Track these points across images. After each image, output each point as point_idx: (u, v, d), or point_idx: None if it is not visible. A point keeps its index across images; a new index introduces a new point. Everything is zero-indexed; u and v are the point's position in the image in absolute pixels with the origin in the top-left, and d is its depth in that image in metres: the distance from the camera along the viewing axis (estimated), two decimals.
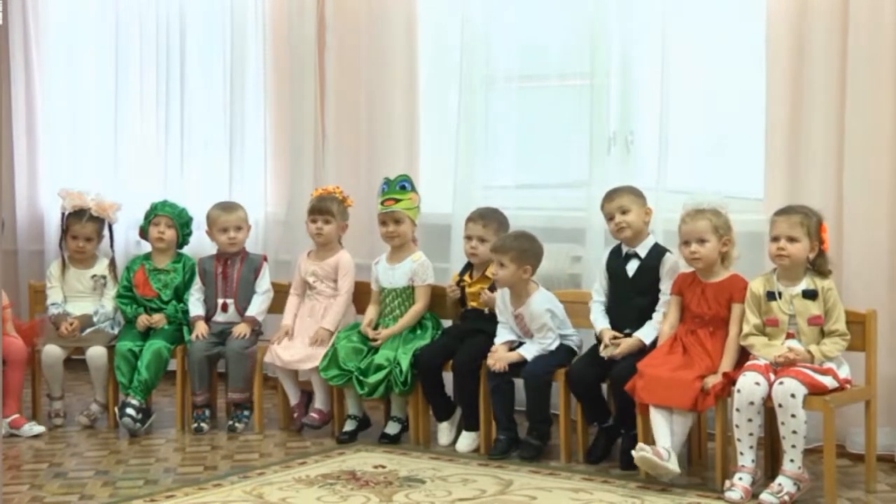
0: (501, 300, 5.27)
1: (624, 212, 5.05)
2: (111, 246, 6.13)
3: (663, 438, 4.64)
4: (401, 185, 5.57)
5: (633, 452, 4.59)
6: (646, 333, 4.97)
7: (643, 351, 4.93)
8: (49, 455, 5.31)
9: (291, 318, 5.75)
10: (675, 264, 5.03)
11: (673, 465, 4.57)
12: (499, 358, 5.14)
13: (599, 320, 5.12)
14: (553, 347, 5.16)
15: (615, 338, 4.99)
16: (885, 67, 4.88)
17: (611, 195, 5.12)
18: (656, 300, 5.04)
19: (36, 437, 5.58)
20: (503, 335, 5.25)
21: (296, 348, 5.64)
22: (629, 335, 5.00)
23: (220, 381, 5.92)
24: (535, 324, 5.17)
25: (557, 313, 5.22)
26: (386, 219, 5.56)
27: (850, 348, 4.58)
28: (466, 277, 5.46)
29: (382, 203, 5.56)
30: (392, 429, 5.47)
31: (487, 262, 5.35)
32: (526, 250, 5.17)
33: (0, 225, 5.72)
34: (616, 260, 5.16)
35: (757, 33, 5.27)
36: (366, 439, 5.44)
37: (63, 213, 6.05)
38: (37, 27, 7.50)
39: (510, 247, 5.15)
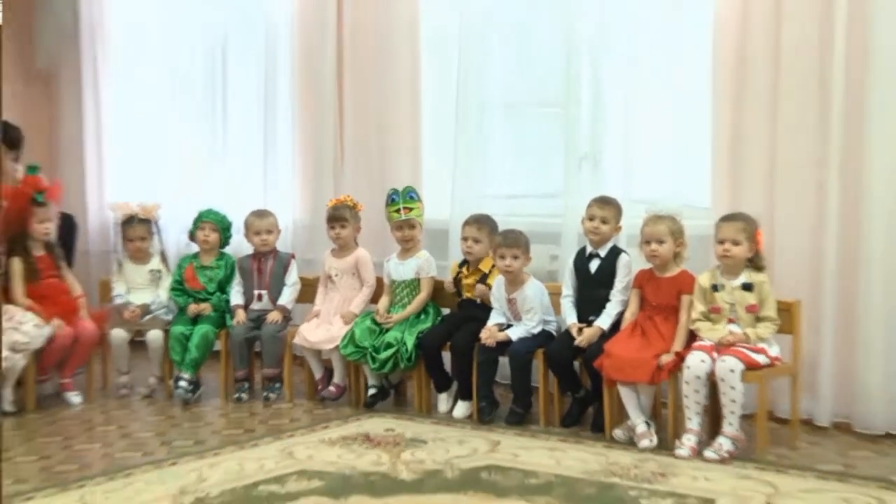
0: (497, 287, 5.43)
1: (604, 221, 5.20)
2: (160, 241, 6.34)
3: (633, 410, 4.89)
4: (409, 196, 5.80)
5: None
6: (603, 321, 5.18)
7: (605, 335, 5.12)
8: (117, 419, 5.59)
9: (321, 303, 5.99)
10: (628, 262, 5.21)
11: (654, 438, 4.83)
12: (490, 335, 5.35)
13: (569, 315, 5.28)
14: (536, 331, 5.35)
15: (580, 329, 5.17)
16: (809, 101, 5.12)
17: (602, 204, 5.21)
18: None
19: (76, 405, 5.78)
20: (495, 318, 5.44)
21: (320, 332, 5.85)
22: (592, 322, 5.19)
23: (257, 359, 6.12)
24: (527, 305, 5.33)
25: (545, 300, 5.41)
26: (403, 224, 5.75)
27: (779, 332, 4.85)
28: (464, 270, 5.70)
29: (397, 211, 5.74)
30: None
31: (480, 258, 5.62)
32: (528, 241, 5.37)
33: (74, 229, 5.95)
34: (581, 259, 5.33)
35: (705, 73, 5.45)
36: (380, 407, 5.70)
37: (117, 223, 6.33)
38: (105, 62, 7.73)
39: (521, 240, 5.31)
